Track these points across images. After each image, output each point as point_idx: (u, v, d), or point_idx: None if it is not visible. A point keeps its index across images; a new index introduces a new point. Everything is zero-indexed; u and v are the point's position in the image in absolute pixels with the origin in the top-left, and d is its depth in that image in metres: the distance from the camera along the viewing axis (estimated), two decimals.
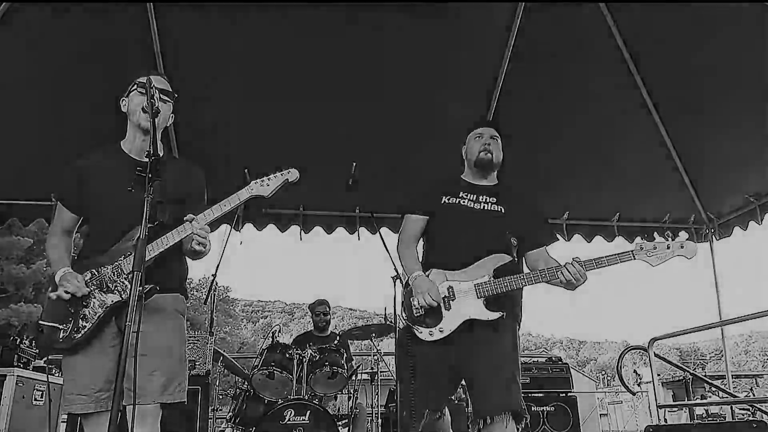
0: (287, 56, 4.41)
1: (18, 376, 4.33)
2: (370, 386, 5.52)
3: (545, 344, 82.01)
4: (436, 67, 4.62)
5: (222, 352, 5.01)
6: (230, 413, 4.51)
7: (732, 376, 5.80)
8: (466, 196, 2.72)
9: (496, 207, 2.70)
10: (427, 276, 2.55)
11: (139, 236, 1.84)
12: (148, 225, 1.85)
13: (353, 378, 4.99)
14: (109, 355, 2.11)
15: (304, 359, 4.37)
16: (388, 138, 4.97)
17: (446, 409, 2.70)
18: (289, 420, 3.95)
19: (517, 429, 2.40)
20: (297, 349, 4.45)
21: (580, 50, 4.62)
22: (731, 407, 6.68)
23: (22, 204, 4.99)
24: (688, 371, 12.77)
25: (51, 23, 4.02)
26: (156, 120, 2.05)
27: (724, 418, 10.03)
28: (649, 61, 4.64)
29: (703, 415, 11.28)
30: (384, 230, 5.00)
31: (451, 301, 2.49)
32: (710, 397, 11.37)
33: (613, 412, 20.31)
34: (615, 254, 2.43)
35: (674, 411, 12.10)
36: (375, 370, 5.46)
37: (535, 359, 6.23)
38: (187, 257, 2.34)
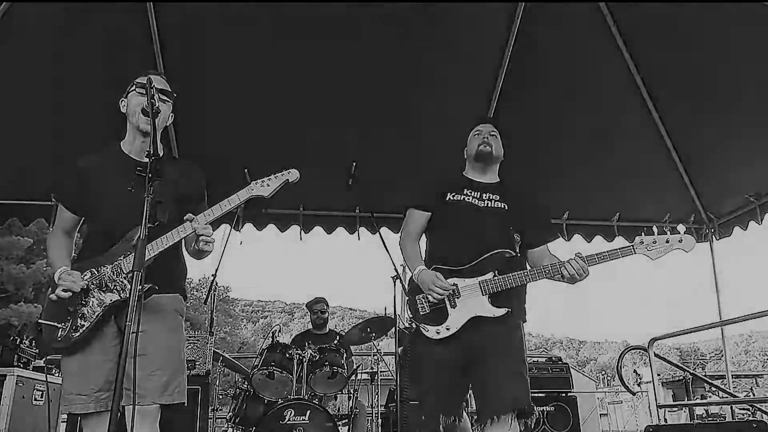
0: (288, 56, 4.41)
1: (18, 376, 4.33)
2: (370, 386, 5.53)
3: (545, 344, 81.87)
4: (437, 67, 4.62)
5: (221, 353, 5.01)
6: (230, 413, 4.51)
7: (732, 376, 5.80)
8: (471, 193, 2.72)
9: (499, 204, 2.71)
10: None
11: (139, 236, 1.84)
12: (148, 225, 1.85)
13: (353, 378, 4.98)
14: (109, 355, 2.11)
15: (304, 359, 4.37)
16: (388, 138, 4.98)
17: (464, 413, 2.63)
18: (289, 420, 3.94)
19: (523, 426, 2.40)
20: (297, 349, 4.46)
21: (580, 50, 4.63)
22: (731, 407, 6.67)
23: (22, 204, 5.00)
24: (688, 371, 12.78)
25: (51, 23, 4.02)
26: (156, 120, 2.04)
27: (724, 418, 10.03)
28: (649, 61, 4.64)
29: (703, 415, 11.29)
30: (384, 230, 5.01)
31: (456, 299, 2.49)
32: (710, 397, 11.38)
33: (613, 412, 20.32)
34: (616, 249, 2.45)
35: (674, 411, 12.10)
36: (375, 370, 5.46)
37: (535, 359, 6.22)
38: (187, 257, 2.34)
